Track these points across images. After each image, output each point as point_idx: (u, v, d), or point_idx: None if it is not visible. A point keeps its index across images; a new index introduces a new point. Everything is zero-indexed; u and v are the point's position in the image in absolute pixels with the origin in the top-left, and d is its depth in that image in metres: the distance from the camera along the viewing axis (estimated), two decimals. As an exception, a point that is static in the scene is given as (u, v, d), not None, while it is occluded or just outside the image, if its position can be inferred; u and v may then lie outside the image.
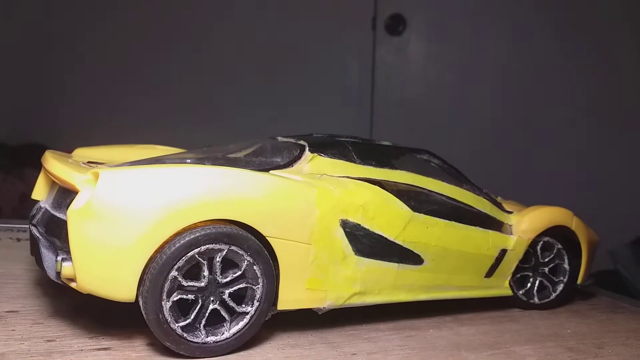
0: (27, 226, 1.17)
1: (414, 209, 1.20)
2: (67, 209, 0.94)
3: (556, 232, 1.40)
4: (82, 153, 1.34)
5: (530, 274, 1.40)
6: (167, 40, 2.72)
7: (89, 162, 1.21)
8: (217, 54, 2.77)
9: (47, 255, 0.99)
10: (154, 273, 0.93)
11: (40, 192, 1.20)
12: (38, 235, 1.05)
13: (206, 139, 2.36)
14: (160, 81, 2.71)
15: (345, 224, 1.11)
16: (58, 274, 0.95)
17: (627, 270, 2.35)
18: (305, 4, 2.81)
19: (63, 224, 0.97)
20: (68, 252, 0.94)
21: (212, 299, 0.98)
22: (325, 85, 2.85)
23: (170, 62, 2.72)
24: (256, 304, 1.02)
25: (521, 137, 2.89)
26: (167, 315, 0.94)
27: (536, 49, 2.87)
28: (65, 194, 1.06)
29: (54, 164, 1.08)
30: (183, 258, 0.95)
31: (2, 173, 2.22)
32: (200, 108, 2.75)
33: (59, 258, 0.95)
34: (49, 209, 1.10)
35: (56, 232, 1.03)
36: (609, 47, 2.82)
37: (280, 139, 1.31)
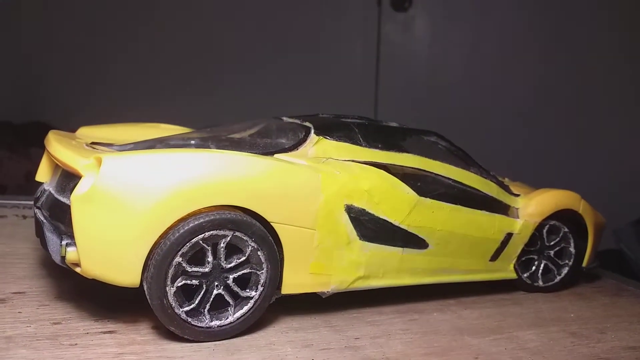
0: (33, 203, 1.17)
1: (420, 193, 1.18)
2: (70, 194, 0.94)
3: (563, 215, 1.39)
4: (86, 132, 1.33)
5: (536, 257, 1.39)
6: (171, 17, 2.68)
7: (92, 142, 1.20)
8: (220, 30, 2.73)
9: (51, 239, 0.99)
10: (158, 259, 0.93)
11: (44, 174, 1.20)
12: (42, 219, 1.05)
13: (210, 115, 2.35)
14: (166, 59, 2.68)
15: (350, 209, 1.10)
16: (63, 258, 0.95)
17: (631, 249, 2.35)
18: None
19: (67, 208, 0.97)
20: (72, 236, 0.94)
21: (216, 284, 0.99)
22: (330, 62, 2.82)
23: (174, 41, 2.69)
24: (260, 288, 1.02)
25: (525, 115, 2.86)
26: (171, 301, 0.95)
27: (542, 27, 2.81)
28: (68, 178, 1.06)
29: (57, 147, 1.08)
30: (187, 244, 0.94)
31: (8, 151, 2.22)
32: (203, 85, 2.73)
33: (64, 243, 0.95)
34: (52, 192, 1.10)
35: (60, 216, 1.03)
36: (616, 26, 2.76)
37: (285, 119, 1.30)
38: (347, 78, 2.86)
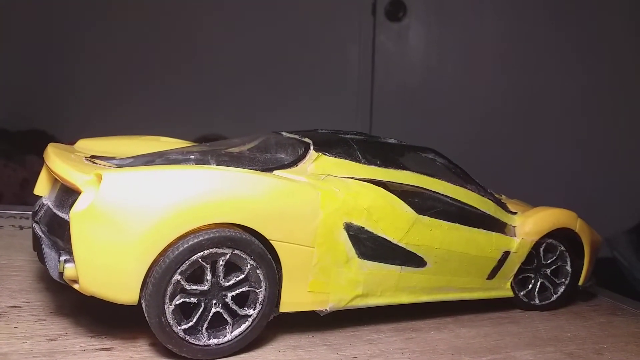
0: (30, 213, 1.16)
1: (418, 211, 1.19)
2: (69, 209, 0.94)
3: (560, 233, 1.40)
4: (85, 145, 1.33)
5: (532, 275, 1.40)
6: (171, 30, 2.68)
7: (92, 156, 1.20)
8: (214, 41, 2.72)
9: (50, 255, 0.98)
10: (157, 277, 0.93)
11: (43, 188, 1.19)
12: (40, 234, 1.05)
13: (206, 124, 2.34)
14: (162, 72, 2.67)
15: (349, 227, 1.10)
16: (61, 274, 0.95)
17: (625, 257, 2.35)
18: None
19: (65, 224, 0.97)
20: (71, 252, 0.93)
21: (214, 302, 0.98)
22: (324, 71, 2.82)
23: (171, 52, 2.69)
24: (258, 307, 1.02)
25: (521, 124, 2.87)
26: (169, 319, 0.94)
27: (538, 35, 2.83)
28: (67, 193, 1.05)
29: (56, 161, 1.07)
30: (186, 262, 0.94)
31: (3, 159, 2.21)
32: (202, 94, 2.72)
33: (62, 259, 0.95)
34: (51, 207, 1.09)
35: (59, 231, 1.02)
36: (611, 35, 2.78)
37: (284, 134, 1.30)
38: (341, 87, 2.87)
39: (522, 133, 2.88)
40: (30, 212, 1.18)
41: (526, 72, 2.86)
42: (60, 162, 1.06)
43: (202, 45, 2.73)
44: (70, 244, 0.92)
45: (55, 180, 1.14)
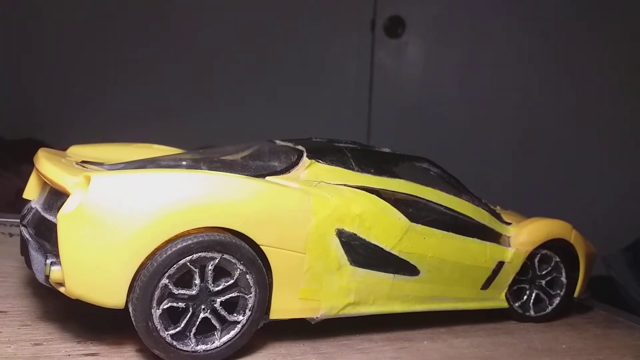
0: (19, 221, 1.15)
1: (412, 219, 1.18)
2: (57, 212, 0.92)
3: (554, 244, 1.38)
4: (77, 151, 1.32)
5: (527, 286, 1.38)
6: (166, 40, 2.69)
7: (83, 161, 1.19)
8: (214, 54, 2.74)
9: (36, 258, 0.97)
10: (144, 280, 0.91)
11: (32, 192, 1.18)
12: (28, 237, 1.04)
13: (201, 137, 2.34)
14: (161, 81, 2.68)
15: (341, 234, 1.09)
16: (47, 277, 0.93)
17: (621, 276, 2.34)
18: (304, 5, 2.78)
19: (53, 226, 0.95)
20: (57, 255, 0.92)
21: (203, 307, 0.97)
22: (323, 87, 2.83)
23: (169, 62, 2.70)
24: (248, 313, 1.00)
25: (517, 140, 2.88)
26: (156, 323, 0.93)
27: (535, 53, 2.85)
28: (56, 196, 1.04)
29: (46, 164, 1.06)
30: (174, 266, 0.93)
31: None
32: (197, 106, 2.73)
33: (48, 262, 0.93)
34: (39, 210, 1.08)
35: (46, 234, 1.01)
36: (610, 53, 2.80)
37: (278, 142, 1.29)
38: (339, 101, 2.87)
39: (518, 149, 2.89)
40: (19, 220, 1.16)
41: (522, 88, 2.88)
42: (49, 165, 1.05)
43: (201, 60, 2.75)
44: (57, 246, 0.91)
45: (44, 184, 1.13)
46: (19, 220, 1.16)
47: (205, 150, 1.35)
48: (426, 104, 2.89)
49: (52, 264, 0.93)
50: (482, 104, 2.88)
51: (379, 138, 2.78)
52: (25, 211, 1.15)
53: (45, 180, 1.06)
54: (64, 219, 0.90)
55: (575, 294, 1.43)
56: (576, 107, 2.83)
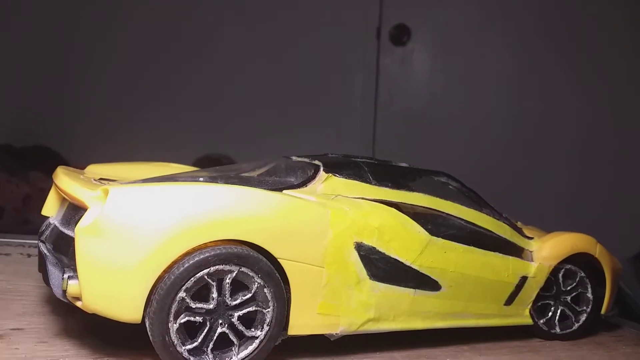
0: (37, 237, 1.15)
1: (432, 232, 1.16)
2: (75, 226, 0.92)
3: (579, 259, 1.35)
4: (95, 170, 1.33)
5: (552, 302, 1.34)
6: (184, 59, 2.72)
7: (100, 178, 1.20)
8: (220, 64, 2.75)
9: (53, 272, 0.96)
10: (161, 294, 0.90)
11: (51, 208, 1.18)
12: (46, 252, 1.04)
13: (215, 148, 2.32)
14: (172, 95, 2.69)
15: (359, 247, 1.07)
16: (64, 292, 0.93)
17: (628, 286, 2.27)
18: (309, 13, 2.81)
19: (71, 240, 0.95)
20: (75, 269, 0.92)
21: (220, 322, 0.95)
22: (328, 95, 2.83)
23: (186, 81, 2.72)
24: (266, 328, 0.98)
25: (523, 150, 2.84)
26: (173, 338, 0.91)
27: (542, 64, 2.83)
28: (74, 211, 1.04)
29: (64, 179, 1.07)
30: (192, 279, 0.92)
31: (7, 174, 2.20)
32: (209, 117, 2.72)
33: (66, 276, 0.93)
34: (57, 225, 1.08)
35: (64, 249, 1.01)
36: (615, 65, 2.78)
37: (294, 158, 1.29)
38: (345, 110, 2.87)
39: (523, 159, 2.85)
40: (37, 237, 1.17)
41: (529, 98, 2.85)
42: (68, 180, 1.06)
43: (212, 71, 2.76)
44: (75, 260, 0.90)
45: (63, 200, 1.13)
46: (36, 241, 1.16)
47: (222, 167, 1.35)
48: (432, 111, 2.88)
49: (69, 278, 0.92)
50: (487, 111, 2.85)
51: (384, 145, 2.76)
52: (44, 227, 1.16)
53: (64, 195, 1.07)
54: (82, 232, 0.90)
55: (602, 311, 1.39)
56: (582, 117, 2.79)
